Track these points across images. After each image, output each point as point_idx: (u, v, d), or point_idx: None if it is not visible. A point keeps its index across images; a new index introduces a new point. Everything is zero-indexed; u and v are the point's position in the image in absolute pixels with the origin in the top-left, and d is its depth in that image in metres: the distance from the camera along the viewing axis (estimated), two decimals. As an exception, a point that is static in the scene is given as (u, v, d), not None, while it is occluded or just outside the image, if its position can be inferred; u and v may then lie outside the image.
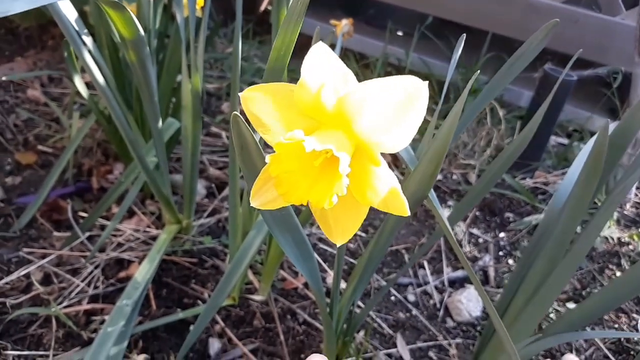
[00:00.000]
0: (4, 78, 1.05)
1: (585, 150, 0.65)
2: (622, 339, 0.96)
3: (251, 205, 0.39)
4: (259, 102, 0.37)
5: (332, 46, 0.90)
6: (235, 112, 0.41)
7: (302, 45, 0.44)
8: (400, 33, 2.06)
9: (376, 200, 0.36)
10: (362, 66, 1.88)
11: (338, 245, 0.41)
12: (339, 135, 0.35)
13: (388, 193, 0.35)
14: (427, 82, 0.33)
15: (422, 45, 1.81)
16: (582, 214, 0.58)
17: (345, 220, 0.38)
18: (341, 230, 0.39)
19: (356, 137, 0.35)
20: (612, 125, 0.57)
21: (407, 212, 0.35)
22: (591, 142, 0.61)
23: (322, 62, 0.34)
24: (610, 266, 1.13)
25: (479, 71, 0.51)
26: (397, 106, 0.33)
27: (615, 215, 1.27)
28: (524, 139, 0.57)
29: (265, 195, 0.39)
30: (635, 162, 0.56)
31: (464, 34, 0.54)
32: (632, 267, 0.56)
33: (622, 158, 1.21)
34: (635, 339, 0.97)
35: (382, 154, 0.35)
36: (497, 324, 0.52)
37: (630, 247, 1.19)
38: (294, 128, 0.34)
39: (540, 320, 0.67)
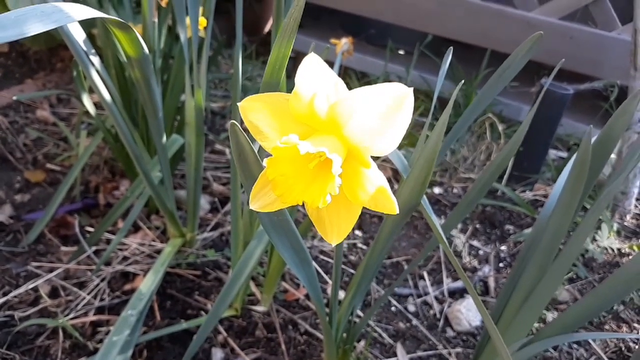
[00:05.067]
0: (14, 98, 1.09)
1: (573, 160, 0.67)
2: (622, 348, 0.97)
3: (250, 208, 0.42)
4: (257, 111, 0.40)
5: (330, 63, 0.93)
6: (233, 121, 0.43)
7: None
8: (401, 52, 2.10)
9: (367, 199, 0.38)
10: (364, 84, 1.91)
11: (334, 245, 0.43)
12: (331, 139, 0.38)
13: (378, 193, 0.37)
14: (411, 88, 0.35)
15: (422, 63, 1.85)
16: (569, 220, 0.60)
17: (339, 220, 0.40)
18: (336, 230, 0.41)
19: (347, 141, 0.37)
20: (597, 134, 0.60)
21: (395, 211, 0.37)
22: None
23: (314, 72, 0.37)
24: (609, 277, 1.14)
25: (462, 81, 0.53)
26: (384, 111, 0.36)
27: (616, 226, 1.28)
28: (512, 146, 0.59)
29: (263, 199, 0.42)
30: (619, 169, 0.58)
31: (451, 47, 0.56)
32: (622, 267, 0.58)
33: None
34: (637, 346, 0.97)
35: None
36: (490, 327, 0.54)
37: (631, 257, 1.20)
38: (290, 134, 0.36)
39: (532, 325, 0.69)
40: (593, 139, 0.59)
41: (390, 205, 0.37)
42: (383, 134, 0.36)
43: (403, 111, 0.36)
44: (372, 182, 0.37)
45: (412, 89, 0.36)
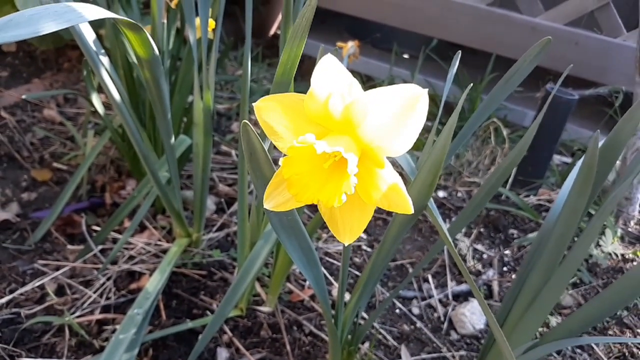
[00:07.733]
0: (23, 97, 1.10)
1: (579, 164, 0.67)
2: (626, 354, 0.97)
3: (264, 207, 0.42)
4: (272, 111, 0.41)
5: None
6: (245, 121, 0.44)
7: (309, 70, 0.47)
8: (406, 55, 2.11)
9: (381, 199, 0.38)
10: (369, 87, 1.91)
11: (346, 245, 0.44)
12: (346, 139, 0.38)
13: (392, 192, 0.38)
14: (426, 89, 0.36)
15: (427, 67, 1.85)
16: (575, 224, 0.60)
17: (351, 220, 0.41)
18: (349, 229, 0.41)
19: (361, 141, 0.38)
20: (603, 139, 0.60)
21: (410, 210, 0.38)
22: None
23: (330, 72, 0.37)
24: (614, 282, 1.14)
25: (471, 84, 0.54)
26: (398, 111, 0.36)
27: (619, 232, 1.28)
28: (519, 151, 0.60)
29: (277, 198, 0.42)
30: (624, 175, 0.59)
31: (459, 51, 0.57)
32: (629, 272, 0.58)
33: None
34: (640, 353, 0.98)
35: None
36: (495, 332, 0.54)
37: (634, 263, 1.20)
38: (304, 134, 0.37)
39: (537, 329, 0.69)
40: (600, 144, 0.60)
41: (404, 204, 0.38)
42: (397, 134, 0.37)
43: (417, 112, 0.36)
44: (386, 181, 0.38)
45: (426, 90, 0.36)
